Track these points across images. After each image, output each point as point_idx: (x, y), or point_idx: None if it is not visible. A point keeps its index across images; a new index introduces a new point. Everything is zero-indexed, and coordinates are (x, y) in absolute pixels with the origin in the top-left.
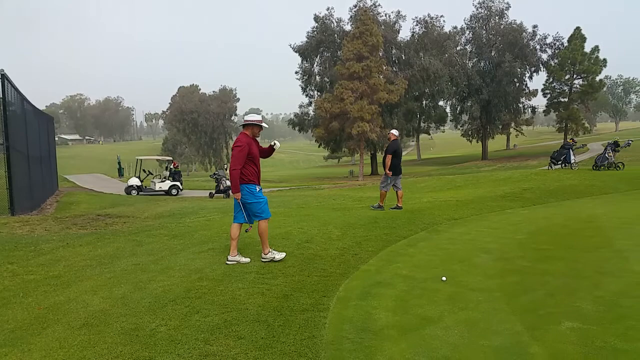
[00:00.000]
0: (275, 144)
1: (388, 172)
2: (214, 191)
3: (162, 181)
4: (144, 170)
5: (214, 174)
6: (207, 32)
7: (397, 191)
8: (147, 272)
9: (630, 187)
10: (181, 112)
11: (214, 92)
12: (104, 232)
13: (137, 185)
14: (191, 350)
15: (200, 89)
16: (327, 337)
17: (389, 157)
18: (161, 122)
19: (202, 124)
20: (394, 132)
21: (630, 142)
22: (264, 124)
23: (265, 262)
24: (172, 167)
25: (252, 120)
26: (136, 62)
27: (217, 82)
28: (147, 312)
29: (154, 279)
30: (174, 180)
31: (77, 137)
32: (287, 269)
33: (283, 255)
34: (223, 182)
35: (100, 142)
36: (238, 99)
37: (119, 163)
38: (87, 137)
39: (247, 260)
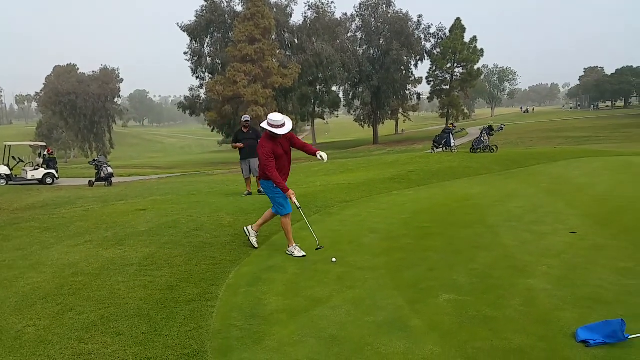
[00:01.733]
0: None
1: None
2: (94, 179)
3: (35, 169)
4: (13, 158)
5: (94, 160)
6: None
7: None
8: (13, 269)
9: (502, 167)
10: (57, 93)
11: (93, 72)
12: None
13: (6, 174)
14: (63, 351)
15: (78, 69)
16: (214, 327)
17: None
18: (34, 104)
19: (82, 107)
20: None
21: (503, 126)
22: (280, 131)
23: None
24: (46, 153)
25: (268, 127)
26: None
27: (98, 61)
28: (13, 313)
29: (22, 276)
30: (48, 167)
31: None
32: (173, 259)
33: (303, 253)
34: (104, 169)
35: None
36: (121, 80)
37: None
38: None
39: (302, 254)
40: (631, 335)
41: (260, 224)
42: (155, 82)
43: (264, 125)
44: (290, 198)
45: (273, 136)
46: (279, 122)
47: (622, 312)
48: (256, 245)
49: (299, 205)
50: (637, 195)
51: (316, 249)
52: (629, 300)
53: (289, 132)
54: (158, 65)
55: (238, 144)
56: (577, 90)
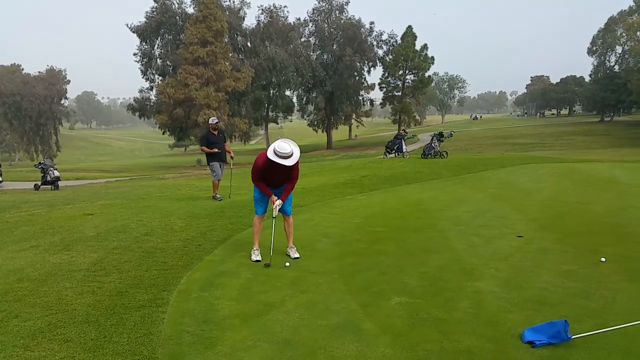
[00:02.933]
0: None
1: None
2: (40, 183)
3: None
4: None
5: (40, 163)
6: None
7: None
8: None
9: (452, 173)
10: (0, 94)
11: (39, 72)
12: None
13: None
14: (8, 359)
15: (23, 69)
16: (165, 333)
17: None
18: None
19: (27, 108)
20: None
21: (452, 133)
22: (282, 161)
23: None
24: None
25: (270, 154)
26: None
27: (44, 62)
28: None
29: None
30: None
31: None
32: (123, 264)
33: (258, 259)
34: (50, 172)
35: None
36: (69, 81)
37: None
38: None
39: (257, 259)
40: (574, 335)
41: (290, 239)
42: (103, 84)
43: (269, 151)
44: (272, 203)
45: (270, 163)
46: (286, 154)
47: (565, 313)
48: (298, 255)
49: (274, 215)
50: (579, 201)
51: (265, 264)
52: (572, 302)
53: (295, 164)
54: (106, 66)
55: (213, 149)
56: (524, 98)
